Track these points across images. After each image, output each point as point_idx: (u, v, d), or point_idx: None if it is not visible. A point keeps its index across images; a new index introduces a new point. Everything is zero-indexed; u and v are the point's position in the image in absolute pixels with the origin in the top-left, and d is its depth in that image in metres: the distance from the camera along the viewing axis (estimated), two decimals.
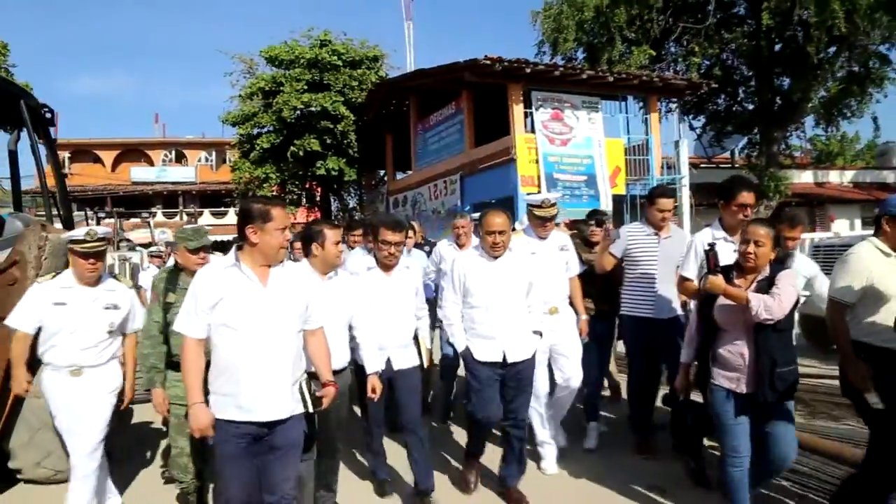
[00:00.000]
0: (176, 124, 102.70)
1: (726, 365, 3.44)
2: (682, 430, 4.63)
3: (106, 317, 3.82)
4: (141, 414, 5.53)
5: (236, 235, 3.05)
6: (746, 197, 4.18)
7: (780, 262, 3.49)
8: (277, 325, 2.93)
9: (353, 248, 5.92)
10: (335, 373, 3.45)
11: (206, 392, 2.97)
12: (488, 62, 11.92)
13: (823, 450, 4.57)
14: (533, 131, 13.14)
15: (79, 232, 3.72)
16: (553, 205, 4.69)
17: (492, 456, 4.53)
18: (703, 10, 14.76)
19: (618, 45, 14.81)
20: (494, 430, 4.53)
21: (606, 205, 12.99)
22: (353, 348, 3.98)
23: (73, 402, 3.75)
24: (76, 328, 3.73)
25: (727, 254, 4.01)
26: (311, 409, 3.03)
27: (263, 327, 2.89)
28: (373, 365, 3.84)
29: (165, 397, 3.80)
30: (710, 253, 3.56)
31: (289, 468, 3.06)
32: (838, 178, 21.68)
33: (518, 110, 12.93)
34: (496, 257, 4.03)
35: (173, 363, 3.75)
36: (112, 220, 19.24)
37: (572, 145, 13.48)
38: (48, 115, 5.55)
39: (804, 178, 20.65)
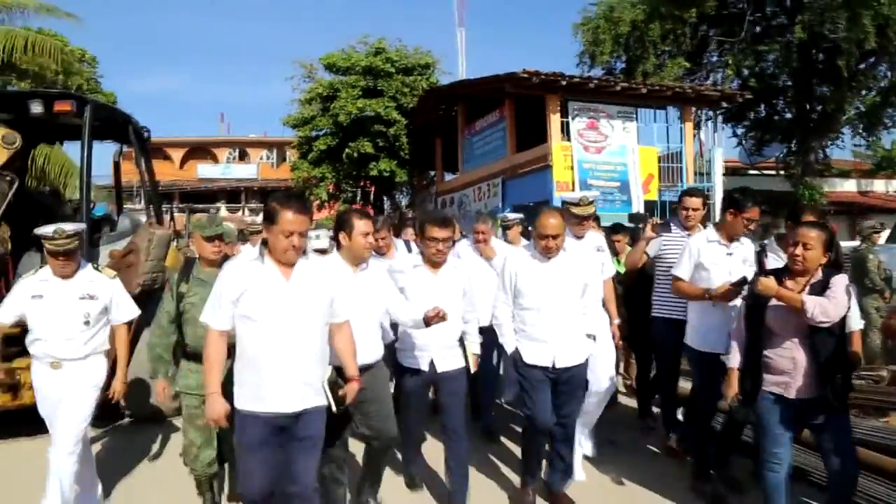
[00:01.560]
0: (239, 123, 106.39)
1: (775, 370, 3.38)
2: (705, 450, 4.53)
3: (81, 307, 3.81)
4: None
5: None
6: (754, 212, 4.33)
7: (835, 266, 3.43)
8: (299, 319, 2.99)
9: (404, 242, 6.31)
10: (366, 367, 3.52)
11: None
12: (526, 76, 12.79)
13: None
14: (569, 139, 13.94)
15: (47, 229, 3.69)
16: (591, 203, 4.64)
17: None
18: (740, 23, 15.27)
19: (652, 57, 15.49)
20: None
21: (638, 209, 13.69)
22: (395, 349, 4.02)
23: (52, 394, 3.79)
24: (52, 320, 3.77)
25: (720, 259, 4.28)
26: (335, 409, 3.11)
27: (285, 320, 2.96)
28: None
29: (167, 387, 3.86)
30: (762, 255, 3.70)
31: (312, 459, 3.11)
32: (883, 187, 21.64)
33: (555, 119, 13.75)
34: (549, 258, 3.94)
35: (187, 353, 3.83)
36: (182, 215, 20.92)
37: (607, 153, 14.22)
38: (146, 135, 6.80)
39: (847, 186, 20.75)
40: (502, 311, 4.05)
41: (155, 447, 5.41)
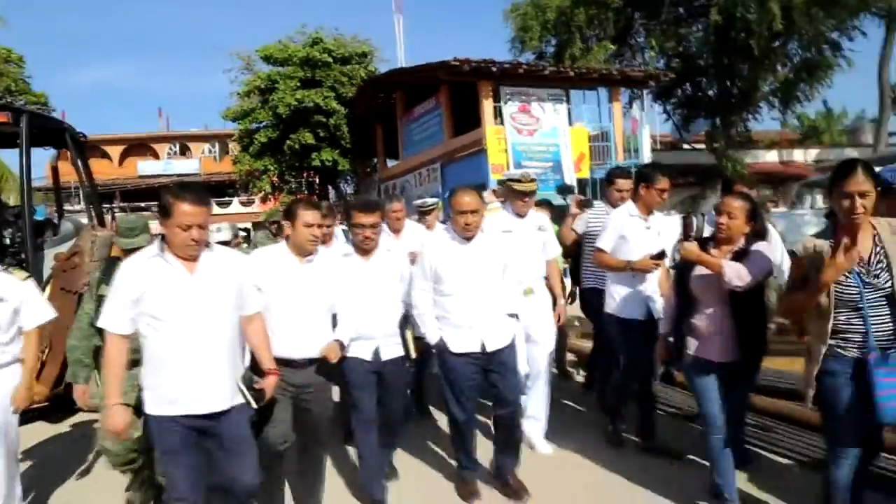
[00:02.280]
0: (178, 117, 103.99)
1: (700, 334, 3.47)
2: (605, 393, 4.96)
3: None
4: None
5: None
6: (664, 182, 4.47)
7: (757, 236, 3.53)
8: (207, 314, 2.84)
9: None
10: (313, 361, 3.40)
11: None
12: (457, 63, 13.25)
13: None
14: (503, 123, 14.47)
15: None
16: (533, 180, 4.61)
17: (483, 442, 4.32)
18: (661, 5, 16.02)
19: (578, 42, 16.15)
20: (486, 419, 4.47)
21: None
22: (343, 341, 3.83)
23: None
24: None
25: (640, 232, 4.41)
26: (254, 405, 2.96)
27: (192, 317, 2.80)
28: (342, 335, 3.56)
29: (86, 391, 3.66)
30: (686, 222, 3.85)
31: (244, 460, 2.97)
32: (803, 157, 22.92)
33: (487, 105, 14.27)
34: (468, 239, 3.83)
35: None
36: (124, 215, 20.79)
37: (539, 135, 14.83)
38: (83, 140, 7.03)
39: (769, 157, 21.92)
40: (422, 299, 3.88)
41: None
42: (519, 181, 4.53)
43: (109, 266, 3.59)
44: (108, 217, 9.64)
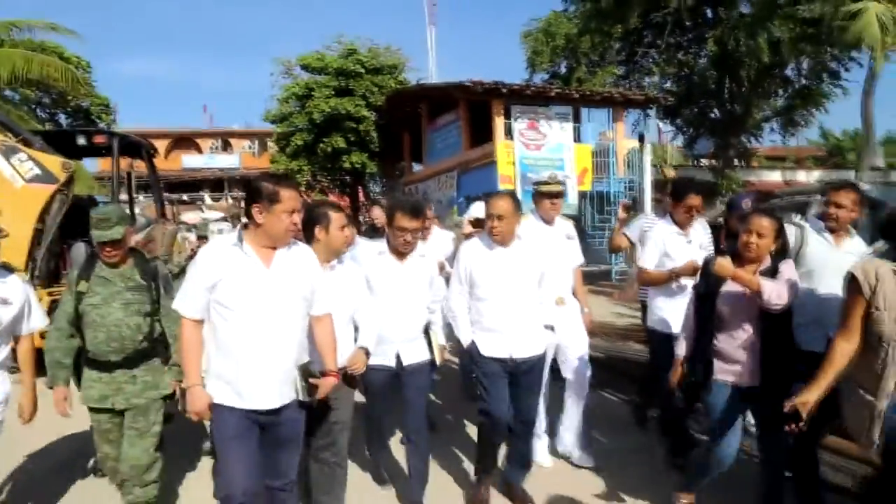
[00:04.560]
0: (222, 113, 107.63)
1: (728, 357, 3.31)
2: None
3: None
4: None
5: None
6: (694, 199, 4.37)
7: (781, 254, 3.41)
8: (279, 309, 2.81)
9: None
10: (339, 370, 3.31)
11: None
12: (471, 85, 14.87)
13: None
14: (512, 138, 16.05)
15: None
16: (559, 182, 4.54)
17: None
18: (661, 35, 17.45)
19: (583, 67, 17.70)
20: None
21: (572, 199, 15.85)
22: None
23: None
24: None
25: (682, 247, 4.35)
26: (304, 399, 2.92)
27: (264, 310, 2.78)
28: (366, 341, 3.48)
29: (67, 396, 3.45)
30: (718, 235, 3.60)
31: (293, 454, 3.01)
32: (805, 177, 23.94)
33: (499, 121, 15.85)
34: (504, 244, 3.78)
35: (89, 360, 3.44)
36: (170, 206, 22.88)
37: (546, 150, 16.34)
38: (153, 152, 8.94)
39: (773, 177, 23.04)
40: (457, 303, 3.88)
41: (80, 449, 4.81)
42: (546, 182, 4.50)
43: (89, 262, 3.50)
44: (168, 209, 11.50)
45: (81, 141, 8.03)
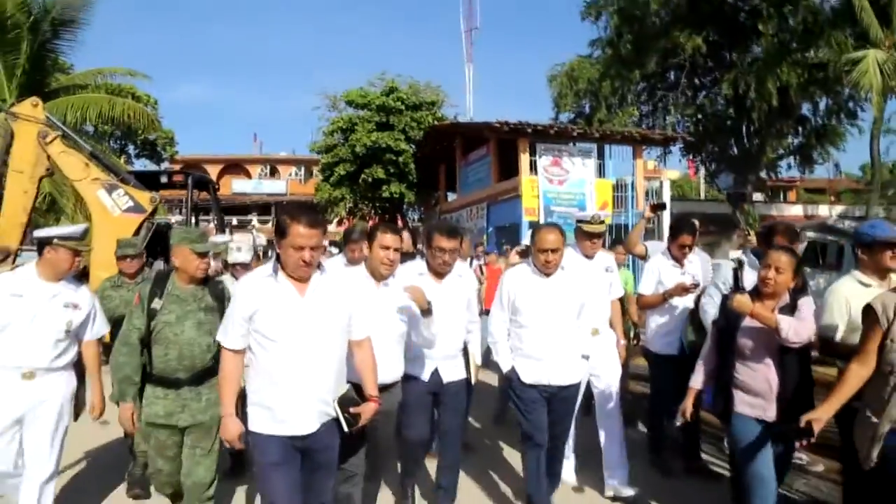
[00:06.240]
0: (270, 139, 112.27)
1: (751, 391, 3.32)
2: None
3: (64, 315, 3.54)
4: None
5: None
6: (686, 238, 4.80)
7: (800, 290, 3.41)
8: (316, 337, 2.85)
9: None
10: (386, 387, 3.38)
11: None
12: (498, 125, 16.32)
13: None
14: (537, 174, 17.39)
15: (76, 229, 3.63)
16: (602, 222, 4.63)
17: (518, 465, 4.54)
18: (679, 80, 18.71)
19: (603, 108, 19.06)
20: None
21: None
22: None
23: (22, 410, 3.47)
24: (31, 323, 3.44)
25: (674, 277, 4.72)
26: (346, 429, 2.93)
27: (300, 339, 2.81)
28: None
29: (135, 412, 3.52)
30: (738, 272, 3.61)
31: (329, 478, 3.03)
32: (827, 210, 24.64)
33: (524, 158, 17.21)
34: (548, 274, 3.88)
35: (154, 377, 3.49)
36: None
37: (568, 184, 17.61)
38: (217, 187, 10.72)
39: (794, 210, 23.87)
40: (498, 329, 3.98)
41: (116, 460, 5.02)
42: (589, 223, 4.56)
43: (160, 279, 3.58)
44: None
45: (164, 179, 9.95)
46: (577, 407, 4.41)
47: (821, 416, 2.85)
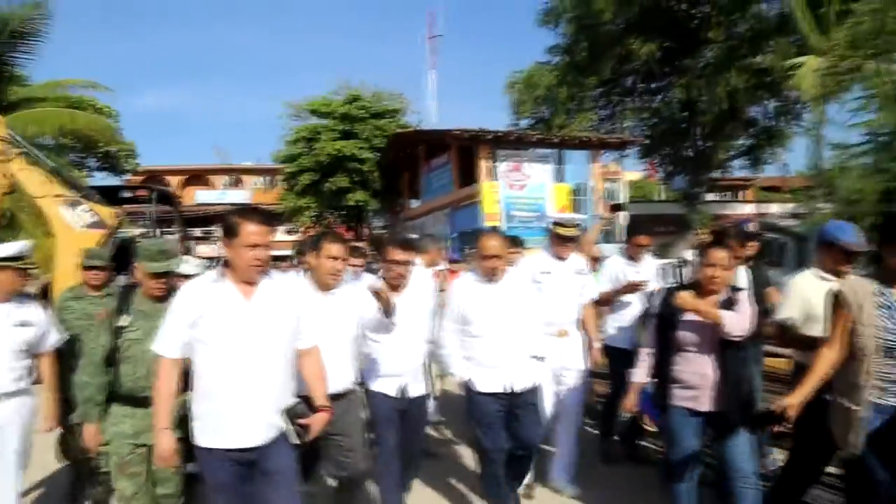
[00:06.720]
0: (232, 147, 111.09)
1: (686, 384, 3.40)
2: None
3: (18, 334, 3.47)
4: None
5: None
6: (639, 239, 5.18)
7: (734, 286, 3.53)
8: (262, 342, 2.74)
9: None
10: (338, 396, 3.28)
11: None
12: (458, 132, 16.69)
13: None
14: (496, 179, 17.79)
15: (19, 248, 3.54)
16: (577, 226, 4.64)
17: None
18: (634, 86, 19.33)
19: (561, 114, 19.61)
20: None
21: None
22: (366, 372, 3.77)
23: None
24: None
25: (630, 276, 4.99)
26: (296, 442, 2.82)
27: (247, 344, 2.70)
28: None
29: (98, 433, 3.36)
30: (680, 269, 3.68)
31: (287, 494, 2.86)
32: (777, 208, 25.46)
33: (484, 164, 17.64)
34: (494, 281, 3.84)
35: (121, 396, 3.33)
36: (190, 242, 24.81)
37: (527, 189, 18.08)
38: (179, 199, 10.90)
39: (746, 209, 24.67)
40: (449, 340, 3.92)
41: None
42: (563, 226, 4.56)
43: (126, 294, 3.45)
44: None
45: (126, 194, 10.04)
46: (574, 412, 4.64)
47: (793, 402, 2.90)
